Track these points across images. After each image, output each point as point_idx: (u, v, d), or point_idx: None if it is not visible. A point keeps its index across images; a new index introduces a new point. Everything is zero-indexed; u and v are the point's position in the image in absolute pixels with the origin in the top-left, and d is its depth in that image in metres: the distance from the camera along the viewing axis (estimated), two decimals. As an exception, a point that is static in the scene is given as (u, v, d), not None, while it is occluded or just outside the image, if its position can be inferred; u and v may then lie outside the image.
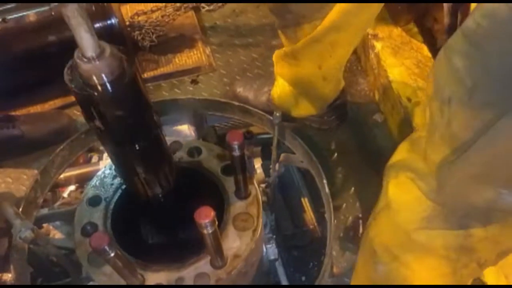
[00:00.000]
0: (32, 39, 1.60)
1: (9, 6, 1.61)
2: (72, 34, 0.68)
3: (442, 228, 0.91)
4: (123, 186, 1.13)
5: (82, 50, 0.69)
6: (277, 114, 1.35)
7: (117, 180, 1.14)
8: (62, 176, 1.50)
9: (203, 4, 2.10)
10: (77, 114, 1.64)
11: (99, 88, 0.73)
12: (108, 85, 0.73)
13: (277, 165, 1.43)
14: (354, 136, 1.53)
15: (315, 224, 1.67)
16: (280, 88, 1.56)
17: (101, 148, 1.57)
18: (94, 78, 0.71)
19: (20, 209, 1.22)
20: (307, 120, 1.60)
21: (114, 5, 1.69)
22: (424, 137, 0.91)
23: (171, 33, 1.98)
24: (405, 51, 1.58)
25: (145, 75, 1.81)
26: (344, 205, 1.37)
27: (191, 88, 1.76)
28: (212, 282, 0.95)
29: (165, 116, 1.56)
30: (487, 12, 0.68)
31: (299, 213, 1.73)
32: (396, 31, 1.63)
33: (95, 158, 1.70)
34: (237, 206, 1.07)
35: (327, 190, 1.28)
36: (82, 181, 1.59)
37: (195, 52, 1.89)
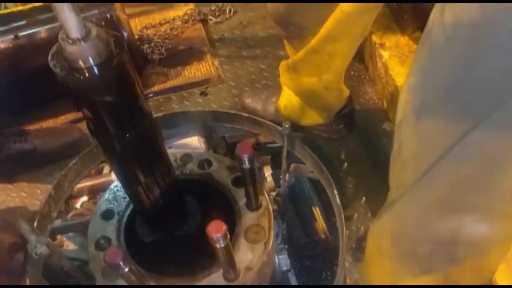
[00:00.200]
0: (44, 55, 1.62)
1: (20, 23, 1.64)
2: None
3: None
4: (136, 200, 1.14)
5: (67, 30, 0.64)
6: (286, 125, 1.36)
7: (130, 194, 1.15)
8: (74, 187, 1.52)
9: (210, 17, 2.12)
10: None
11: (86, 72, 0.68)
12: (95, 68, 0.68)
13: (287, 175, 1.43)
14: (364, 145, 1.53)
15: (327, 233, 1.67)
16: (286, 98, 1.57)
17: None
18: (80, 61, 0.67)
19: (35, 224, 1.23)
20: (315, 129, 1.60)
21: (123, 19, 1.72)
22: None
23: (180, 45, 2.00)
24: (410, 58, 1.59)
25: (155, 88, 1.83)
26: (355, 215, 1.37)
27: (200, 100, 1.78)
28: (225, 295, 0.96)
29: (176, 128, 1.57)
30: (455, 16, 0.63)
31: (311, 222, 1.73)
32: (403, 40, 1.64)
33: (106, 169, 1.72)
34: (248, 218, 1.08)
35: (338, 200, 1.28)
36: (94, 192, 1.60)
37: (203, 64, 1.91)
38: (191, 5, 2.17)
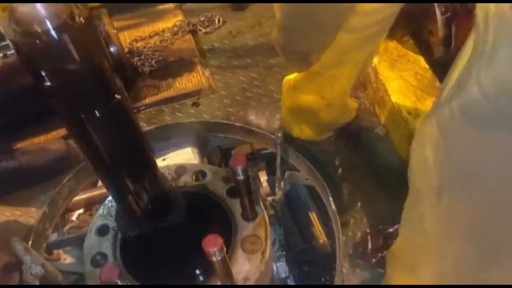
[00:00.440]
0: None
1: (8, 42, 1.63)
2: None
3: None
4: (130, 214, 1.13)
5: None
6: (279, 133, 1.37)
7: (124, 209, 1.15)
8: (70, 200, 1.51)
9: (199, 27, 2.12)
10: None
11: (43, 36, 0.59)
12: (52, 32, 0.59)
13: (282, 183, 1.44)
14: (358, 151, 1.53)
15: (325, 238, 1.67)
16: (287, 109, 1.53)
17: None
18: (35, 24, 0.58)
19: (30, 242, 1.22)
20: (317, 144, 1.58)
21: (112, 33, 1.71)
22: None
23: (170, 57, 2.00)
24: (402, 63, 1.59)
25: (147, 101, 1.82)
26: (351, 221, 1.37)
27: (192, 111, 1.77)
28: (223, 307, 0.95)
29: (169, 140, 1.57)
30: (465, 104, 0.61)
31: (308, 227, 1.73)
32: (392, 44, 1.65)
33: (102, 181, 1.71)
34: (244, 229, 1.08)
35: (333, 207, 1.28)
36: (90, 204, 1.60)
37: (194, 75, 1.91)
38: (180, 17, 2.17)
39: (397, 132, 1.49)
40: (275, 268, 1.38)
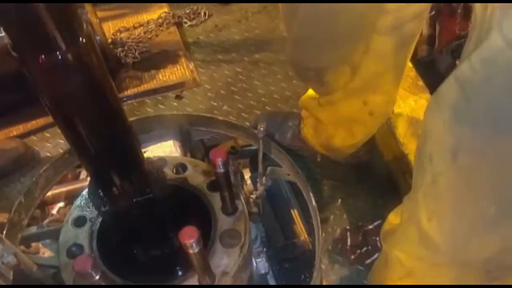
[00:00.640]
0: (9, 62, 1.59)
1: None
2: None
3: None
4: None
5: None
6: (261, 128, 1.35)
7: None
8: (50, 193, 1.49)
9: (185, 20, 2.10)
10: (34, 140, 1.63)
11: None
12: None
13: (263, 178, 1.43)
14: (339, 148, 1.54)
15: (306, 235, 1.67)
16: (313, 127, 1.47)
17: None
18: None
19: (4, 232, 1.20)
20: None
21: (95, 22, 1.69)
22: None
23: (154, 49, 1.98)
24: (387, 62, 1.60)
25: (129, 92, 1.80)
26: (331, 217, 1.37)
27: (175, 104, 1.76)
28: (200, 301, 0.94)
29: (150, 132, 1.55)
30: (487, 56, 0.62)
31: (289, 224, 1.73)
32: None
33: (83, 174, 1.69)
34: (224, 223, 1.07)
35: (314, 203, 1.28)
36: (71, 197, 1.57)
37: (178, 68, 1.90)
38: (165, 8, 2.15)
39: (379, 129, 1.49)
40: (255, 264, 1.37)
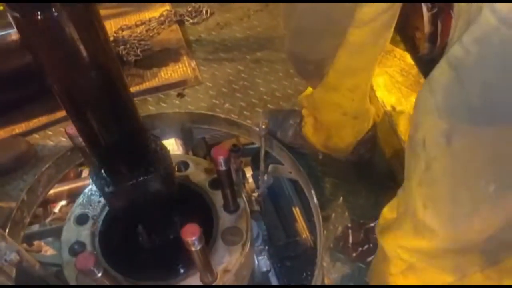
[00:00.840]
0: (16, 58, 1.59)
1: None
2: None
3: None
4: (111, 204, 1.12)
5: None
6: (263, 125, 1.35)
7: (104, 198, 1.13)
8: (52, 192, 1.50)
9: (187, 18, 2.10)
10: (36, 138, 1.63)
11: None
12: None
13: (265, 176, 1.43)
14: (341, 145, 1.54)
15: (307, 233, 1.67)
16: (313, 126, 1.48)
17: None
18: None
19: (7, 230, 1.20)
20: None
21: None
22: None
23: (156, 47, 1.98)
24: (388, 59, 1.60)
25: (131, 90, 1.80)
26: (333, 215, 1.37)
27: (177, 102, 1.76)
28: (202, 298, 0.95)
29: (152, 130, 1.56)
30: (480, 36, 0.61)
31: (291, 222, 1.73)
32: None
33: (85, 173, 1.69)
34: (226, 220, 1.07)
35: (315, 200, 1.28)
36: (73, 196, 1.58)
37: (180, 66, 1.90)
38: (167, 6, 2.15)
39: (381, 127, 1.49)
40: (256, 262, 1.38)
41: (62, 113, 1.64)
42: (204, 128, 1.64)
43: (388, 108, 1.45)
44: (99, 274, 0.79)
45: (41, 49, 0.66)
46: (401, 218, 0.92)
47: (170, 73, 1.87)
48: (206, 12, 2.13)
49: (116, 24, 2.09)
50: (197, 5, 2.14)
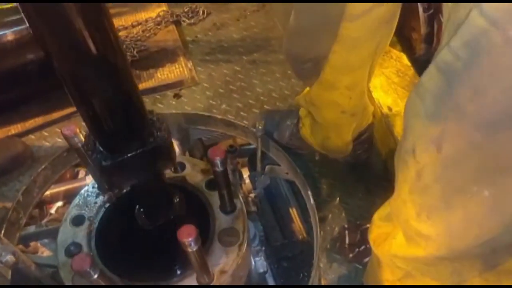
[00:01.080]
0: (11, 58, 1.59)
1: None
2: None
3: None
4: (107, 205, 1.12)
5: None
6: (259, 126, 1.36)
7: (101, 198, 1.13)
8: (48, 192, 1.49)
9: (183, 18, 2.10)
10: (32, 139, 1.63)
11: None
12: None
13: (262, 177, 1.43)
14: (338, 146, 1.54)
15: (304, 234, 1.67)
16: (310, 126, 1.46)
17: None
18: None
19: (2, 231, 1.20)
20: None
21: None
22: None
23: (153, 47, 1.97)
24: (385, 60, 1.60)
25: (128, 91, 1.80)
26: (330, 216, 1.37)
27: (174, 103, 1.76)
28: (199, 299, 0.94)
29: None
30: (469, 40, 0.60)
31: (288, 223, 1.73)
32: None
33: (82, 173, 1.69)
34: (222, 221, 1.07)
35: (312, 201, 1.29)
36: (70, 197, 1.57)
37: (177, 66, 1.89)
38: (163, 7, 2.14)
39: (377, 128, 1.49)
40: (253, 263, 1.38)
41: (58, 114, 1.63)
42: (201, 129, 1.64)
43: (385, 109, 1.45)
44: (95, 276, 0.79)
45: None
46: (394, 227, 0.91)
47: (166, 73, 1.86)
48: (203, 12, 2.13)
49: (112, 24, 2.09)
50: (193, 5, 2.14)
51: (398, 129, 1.42)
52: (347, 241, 1.28)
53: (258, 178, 1.47)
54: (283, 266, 1.61)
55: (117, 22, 2.09)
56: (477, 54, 0.60)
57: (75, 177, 1.69)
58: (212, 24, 2.10)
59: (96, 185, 1.14)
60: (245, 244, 1.04)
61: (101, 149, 0.82)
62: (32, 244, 1.49)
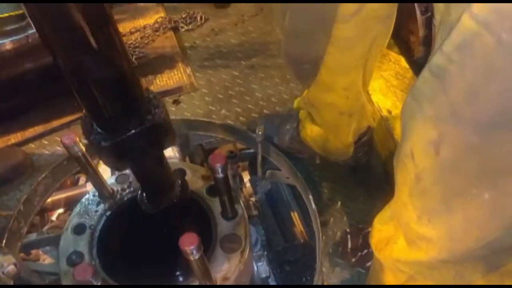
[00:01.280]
0: (10, 67, 1.59)
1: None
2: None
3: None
4: (108, 213, 1.12)
5: None
6: (259, 131, 1.35)
7: (102, 207, 1.13)
8: (49, 200, 1.49)
9: (181, 24, 2.10)
10: (32, 147, 1.63)
11: None
12: None
13: (263, 182, 1.43)
14: (338, 150, 1.54)
15: (306, 237, 1.67)
16: (310, 129, 1.46)
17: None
18: None
19: (4, 241, 1.20)
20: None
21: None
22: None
23: (151, 54, 1.98)
24: (383, 63, 1.60)
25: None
26: (331, 220, 1.37)
27: (173, 109, 1.76)
28: (202, 307, 0.94)
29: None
30: (461, 43, 0.60)
31: (290, 227, 1.73)
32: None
33: (82, 180, 1.69)
34: (224, 227, 1.07)
35: (313, 206, 1.28)
36: (70, 203, 1.57)
37: (175, 73, 1.89)
38: (161, 13, 2.15)
39: (377, 131, 1.49)
40: (255, 268, 1.37)
41: (57, 122, 1.63)
42: (201, 134, 1.64)
43: (384, 112, 1.45)
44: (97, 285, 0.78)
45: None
46: (396, 231, 0.91)
47: (165, 80, 1.87)
48: (201, 18, 2.13)
49: (110, 31, 2.09)
50: (191, 11, 2.14)
51: (398, 131, 1.42)
52: (349, 245, 1.28)
53: (259, 183, 1.46)
54: (286, 270, 1.60)
55: (115, 29, 2.10)
56: (470, 57, 0.61)
57: (75, 183, 1.69)
58: (210, 29, 2.10)
59: (96, 193, 1.14)
60: (247, 250, 1.03)
61: (99, 131, 0.81)
62: (34, 251, 1.48)
